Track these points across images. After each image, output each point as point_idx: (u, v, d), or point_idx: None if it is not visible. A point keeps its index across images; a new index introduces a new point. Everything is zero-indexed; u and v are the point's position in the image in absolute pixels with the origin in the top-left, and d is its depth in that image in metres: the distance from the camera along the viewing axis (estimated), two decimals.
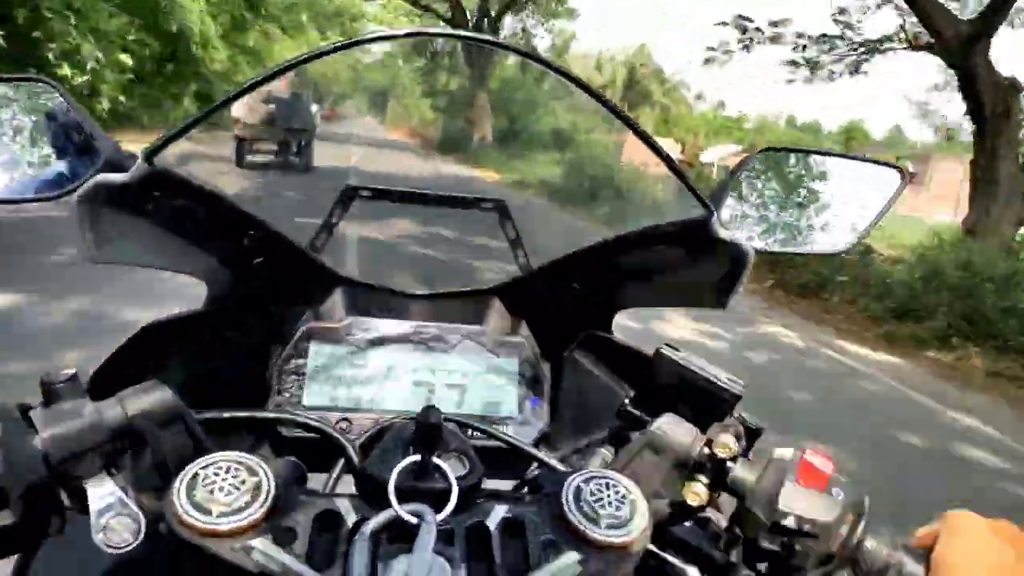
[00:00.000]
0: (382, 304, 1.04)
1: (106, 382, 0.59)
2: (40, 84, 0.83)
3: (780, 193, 0.89)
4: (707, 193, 0.78)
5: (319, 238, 1.12)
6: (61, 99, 0.81)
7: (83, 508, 0.55)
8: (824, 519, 0.60)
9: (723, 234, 0.75)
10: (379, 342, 1.00)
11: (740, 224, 0.81)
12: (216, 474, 0.54)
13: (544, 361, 1.04)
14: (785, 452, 0.64)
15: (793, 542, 0.60)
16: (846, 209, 0.90)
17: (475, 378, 1.01)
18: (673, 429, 0.67)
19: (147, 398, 0.59)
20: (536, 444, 0.83)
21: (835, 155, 0.95)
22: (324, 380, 0.97)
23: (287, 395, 0.96)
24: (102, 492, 0.55)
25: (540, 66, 0.76)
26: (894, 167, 0.89)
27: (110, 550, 0.54)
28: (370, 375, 0.99)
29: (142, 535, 0.55)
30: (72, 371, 0.57)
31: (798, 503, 0.60)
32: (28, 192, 0.79)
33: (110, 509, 0.55)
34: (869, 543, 0.61)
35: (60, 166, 0.80)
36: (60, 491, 0.55)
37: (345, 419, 0.95)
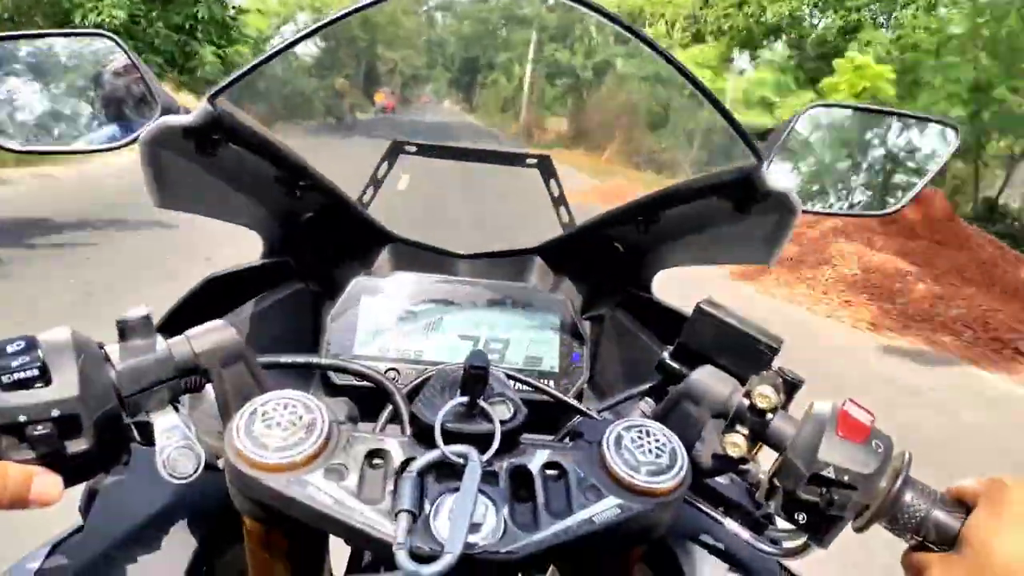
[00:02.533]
0: (429, 261, 1.06)
1: (174, 328, 0.62)
2: (99, 38, 0.85)
3: (829, 151, 0.88)
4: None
5: (366, 192, 1.15)
6: (120, 52, 0.83)
7: (148, 440, 0.59)
8: (863, 471, 0.60)
9: (771, 184, 0.74)
10: (425, 297, 1.02)
11: (787, 180, 0.79)
12: (274, 410, 0.57)
13: (584, 319, 1.06)
14: (825, 404, 0.64)
15: (832, 493, 0.61)
16: (896, 168, 0.88)
17: (517, 333, 1.03)
18: (712, 380, 0.68)
19: (213, 337, 0.62)
20: (576, 398, 0.85)
21: (887, 112, 0.93)
22: (373, 332, 1.00)
23: (338, 345, 0.99)
24: (167, 424, 0.58)
25: (594, 14, 0.75)
26: (948, 123, 0.87)
27: (172, 479, 0.58)
28: (417, 328, 1.01)
29: (201, 467, 0.58)
30: (145, 310, 0.59)
31: (838, 454, 0.60)
32: (91, 143, 0.82)
33: (174, 441, 0.58)
34: (907, 496, 0.61)
35: (120, 118, 0.83)
36: (129, 423, 0.59)
37: (393, 369, 0.98)
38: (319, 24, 0.70)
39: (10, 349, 0.53)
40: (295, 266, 1.02)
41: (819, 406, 0.64)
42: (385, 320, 1.01)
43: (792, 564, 0.73)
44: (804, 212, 0.77)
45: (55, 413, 0.52)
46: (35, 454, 0.53)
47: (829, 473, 0.60)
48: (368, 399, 0.82)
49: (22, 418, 0.51)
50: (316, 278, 1.04)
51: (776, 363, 0.70)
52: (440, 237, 1.11)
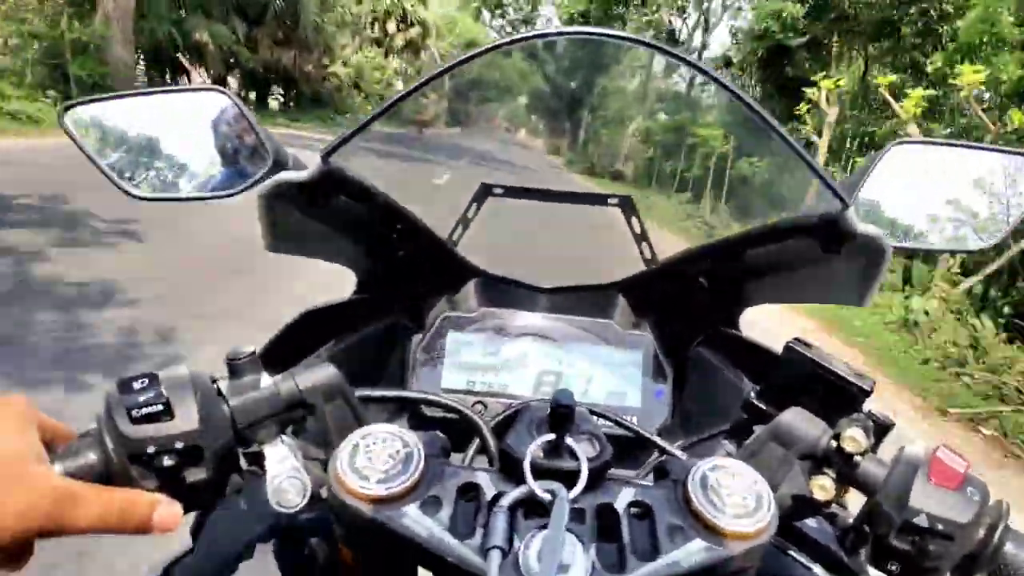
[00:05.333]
0: (512, 297, 1.09)
1: (273, 359, 0.66)
2: (215, 92, 0.93)
3: (916, 187, 0.87)
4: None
5: (455, 232, 1.19)
6: (234, 106, 0.90)
7: (259, 470, 0.63)
8: (959, 519, 0.58)
9: (860, 228, 0.73)
10: (510, 332, 1.05)
11: (874, 219, 0.79)
12: (374, 444, 0.60)
13: (667, 356, 1.06)
14: (916, 449, 0.62)
15: (926, 542, 0.59)
16: (987, 203, 0.87)
17: (600, 369, 1.04)
18: (800, 421, 0.67)
19: (316, 375, 0.66)
20: (658, 436, 0.86)
21: (974, 147, 0.92)
22: (459, 366, 1.04)
23: (425, 378, 1.03)
24: (278, 456, 0.63)
25: (673, 59, 0.77)
26: None
27: (281, 509, 0.62)
28: (501, 363, 1.04)
29: (307, 497, 0.62)
30: (252, 348, 0.64)
31: (931, 501, 0.59)
32: (208, 190, 0.89)
33: (283, 472, 0.62)
34: (1010, 547, 0.59)
35: (234, 167, 0.90)
36: (241, 454, 0.63)
37: (480, 402, 1.01)
38: (422, 81, 0.75)
39: (136, 386, 0.58)
40: (386, 301, 1.07)
41: (910, 450, 0.63)
42: (471, 354, 1.05)
43: None
44: (895, 248, 0.76)
45: (178, 445, 0.57)
46: (159, 482, 0.57)
47: (922, 521, 0.59)
48: (455, 431, 0.85)
49: (150, 449, 0.56)
50: (405, 313, 1.09)
51: (866, 405, 0.70)
52: (523, 273, 1.15)
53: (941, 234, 0.88)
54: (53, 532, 0.52)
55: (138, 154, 0.92)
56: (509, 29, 48.46)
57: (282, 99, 34.32)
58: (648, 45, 0.78)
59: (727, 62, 24.67)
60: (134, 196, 0.89)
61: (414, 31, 43.77)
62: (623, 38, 0.80)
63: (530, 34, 0.78)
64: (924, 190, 0.87)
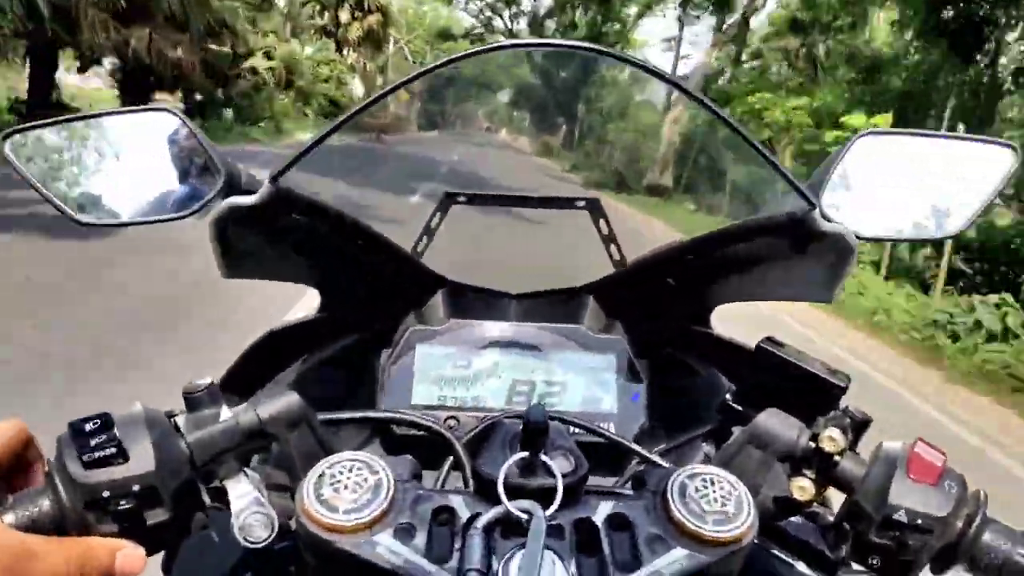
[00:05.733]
0: (481, 305, 1.07)
1: (236, 383, 0.64)
2: (163, 112, 0.90)
3: (883, 178, 0.87)
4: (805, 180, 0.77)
5: (420, 243, 1.17)
6: (182, 126, 0.87)
7: (222, 506, 0.61)
8: (937, 513, 0.59)
9: (826, 227, 0.73)
10: (480, 343, 1.04)
11: (842, 211, 0.78)
12: (340, 473, 0.58)
13: (641, 358, 1.05)
14: (894, 445, 0.63)
15: (906, 537, 0.59)
16: (953, 192, 0.86)
17: (574, 376, 1.03)
18: (777, 423, 0.67)
19: (277, 404, 0.64)
20: (636, 440, 0.85)
21: (940, 136, 0.92)
22: (430, 380, 1.02)
23: (395, 394, 1.01)
24: (240, 491, 0.60)
25: (645, 72, 0.77)
26: (1005, 144, 0.85)
27: (248, 544, 0.59)
28: (473, 375, 1.02)
29: (275, 532, 0.60)
30: (209, 380, 0.62)
31: (909, 497, 0.59)
32: (157, 213, 0.86)
33: (247, 507, 0.60)
34: (988, 537, 0.59)
35: (184, 188, 0.87)
36: (202, 490, 0.61)
37: (453, 417, 0.99)
38: (370, 99, 0.73)
39: (87, 428, 0.55)
40: (351, 318, 1.05)
41: (888, 447, 0.63)
42: (441, 368, 1.02)
43: None
44: (863, 239, 0.76)
45: (135, 487, 0.55)
46: (118, 528, 0.55)
47: (901, 517, 0.59)
48: (428, 449, 0.83)
49: (105, 494, 0.54)
50: (372, 328, 1.06)
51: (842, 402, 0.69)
52: (491, 280, 1.13)
53: (909, 223, 0.87)
54: None
55: (85, 179, 0.88)
56: (488, 13, 45.97)
57: (177, 104, 23.92)
58: (627, 61, 0.77)
59: None
60: (82, 223, 0.86)
61: (373, 19, 38.04)
62: (602, 52, 0.79)
63: (508, 43, 0.77)
64: (891, 180, 0.87)
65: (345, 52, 39.23)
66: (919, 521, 0.59)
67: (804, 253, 0.79)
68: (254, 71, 28.58)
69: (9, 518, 0.53)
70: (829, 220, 0.74)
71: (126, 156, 0.90)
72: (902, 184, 0.87)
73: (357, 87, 40.23)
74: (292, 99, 33.33)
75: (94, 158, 0.89)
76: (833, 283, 0.76)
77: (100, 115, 0.90)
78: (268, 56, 29.69)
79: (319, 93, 36.55)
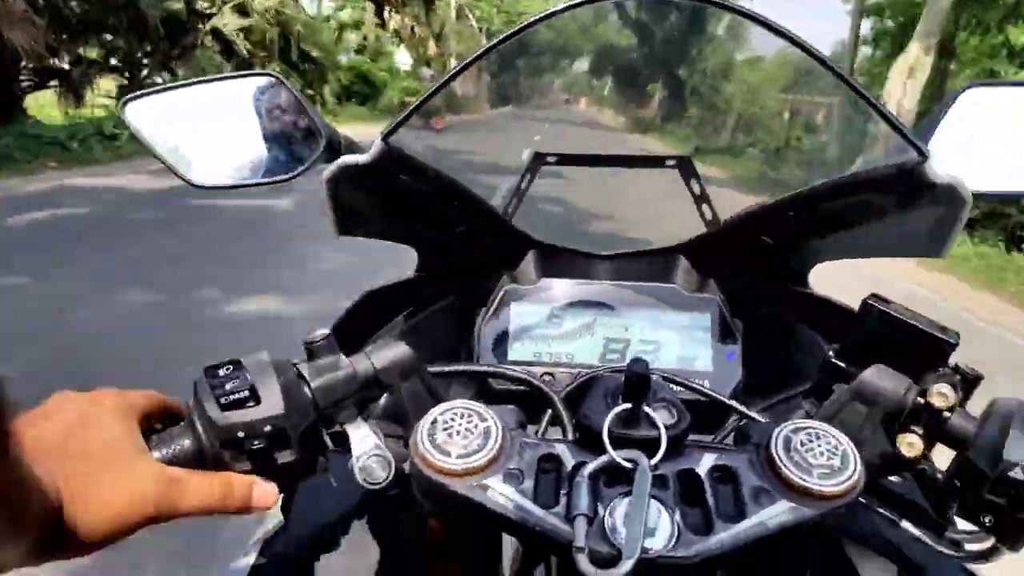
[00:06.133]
0: (572, 266, 1.08)
1: (342, 337, 0.67)
2: (265, 77, 0.93)
3: (991, 132, 0.83)
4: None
5: (511, 203, 1.18)
6: (285, 90, 0.90)
7: (343, 449, 0.64)
8: None
9: (938, 177, 0.71)
10: (573, 302, 1.05)
11: (949, 164, 0.75)
12: (453, 419, 0.61)
13: (735, 317, 1.04)
14: (1009, 400, 0.61)
15: (1022, 494, 0.58)
16: None
17: (667, 334, 1.03)
18: (885, 379, 0.66)
19: (390, 353, 0.67)
20: (732, 398, 0.84)
21: None
22: (525, 338, 1.04)
23: (492, 352, 1.03)
24: (360, 435, 0.64)
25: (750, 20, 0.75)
26: None
27: (367, 485, 0.63)
28: (567, 332, 1.04)
29: (392, 473, 0.63)
30: (327, 331, 0.65)
31: None
32: (264, 175, 0.90)
33: (368, 450, 0.63)
34: None
35: (287, 150, 0.90)
36: (325, 434, 0.64)
37: (548, 373, 1.01)
38: (476, 55, 0.74)
39: (222, 373, 0.59)
40: (447, 278, 1.07)
41: (1003, 402, 0.61)
42: (535, 325, 1.04)
43: (978, 568, 0.70)
44: (974, 194, 0.73)
45: (267, 429, 0.58)
46: (251, 465, 0.59)
47: (1018, 474, 0.57)
48: (526, 404, 0.85)
49: (240, 434, 0.58)
50: (466, 288, 1.08)
51: (952, 358, 0.68)
52: (585, 241, 1.13)
53: (1019, 178, 0.84)
54: (162, 517, 0.54)
55: (195, 143, 0.93)
56: None
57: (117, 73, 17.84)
58: (731, 9, 0.76)
59: None
60: (194, 184, 0.90)
61: None
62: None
63: None
64: (1000, 134, 0.84)
65: (387, 14, 29.85)
66: None
67: (912, 207, 0.76)
68: (217, 35, 19.41)
69: (156, 455, 0.57)
70: (939, 172, 0.72)
71: (232, 120, 0.93)
72: (1011, 138, 0.83)
73: (403, 57, 33.92)
74: (290, 75, 20.72)
75: (204, 123, 0.94)
76: (945, 236, 0.73)
77: (208, 81, 0.94)
78: (243, 12, 19.92)
79: (344, 67, 27.51)
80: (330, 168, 0.74)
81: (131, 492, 0.52)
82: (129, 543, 0.54)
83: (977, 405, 0.65)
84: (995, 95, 0.84)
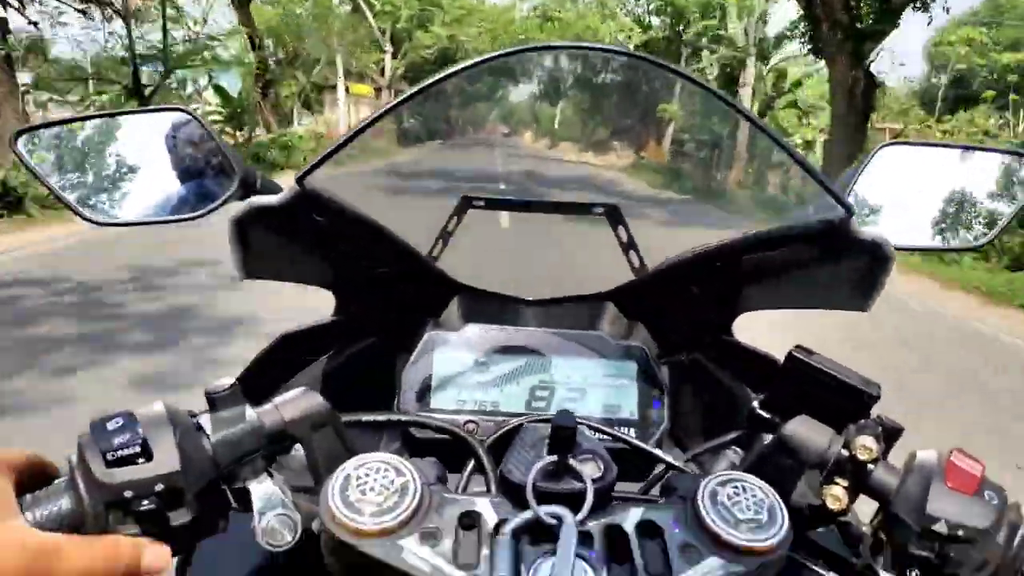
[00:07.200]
0: (499, 311, 1.06)
1: (250, 387, 0.62)
2: (178, 112, 0.89)
3: (906, 189, 0.86)
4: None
5: (436, 246, 1.16)
6: (198, 126, 0.86)
7: (246, 508, 0.59)
8: (979, 524, 0.57)
9: (863, 233, 0.72)
10: (498, 348, 1.02)
11: (870, 220, 0.77)
12: (367, 474, 0.57)
13: (662, 365, 1.04)
14: (929, 453, 0.61)
15: (946, 550, 0.57)
16: (980, 202, 0.86)
17: (594, 382, 1.01)
18: (808, 430, 0.65)
19: (301, 403, 0.62)
20: (659, 446, 0.83)
21: (962, 147, 0.91)
22: (449, 385, 1.00)
23: (414, 399, 0.99)
24: (264, 492, 0.58)
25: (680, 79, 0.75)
26: None
27: (270, 547, 0.57)
28: (492, 380, 1.01)
29: (299, 535, 0.58)
30: (232, 380, 0.60)
31: (949, 507, 0.57)
32: (171, 213, 0.85)
33: (271, 508, 0.58)
34: None
35: (199, 188, 0.86)
36: (227, 492, 0.59)
37: (472, 422, 0.97)
38: (398, 100, 0.72)
39: (111, 427, 0.54)
40: (367, 322, 1.03)
41: (923, 455, 0.61)
42: (459, 372, 1.01)
43: None
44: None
45: (159, 487, 0.53)
46: (141, 528, 0.53)
47: (941, 528, 0.57)
48: (448, 454, 0.81)
49: (128, 493, 0.52)
50: (387, 333, 1.05)
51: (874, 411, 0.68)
52: (510, 287, 1.11)
53: (938, 234, 0.87)
54: None
55: (97, 178, 0.87)
56: None
57: None
58: (647, 61, 0.76)
59: None
60: (93, 222, 0.85)
61: None
62: (618, 52, 0.78)
63: (521, 48, 0.75)
64: (916, 191, 0.87)
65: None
66: (960, 532, 0.57)
67: (838, 261, 0.77)
68: None
69: (29, 517, 0.51)
70: (863, 230, 0.73)
71: (140, 155, 0.89)
72: (927, 195, 0.87)
73: None
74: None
75: (108, 158, 0.89)
76: (870, 291, 0.75)
77: (114, 114, 0.90)
78: None
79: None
80: (239, 207, 0.70)
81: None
82: None
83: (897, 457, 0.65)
84: (910, 153, 0.88)
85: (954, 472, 0.59)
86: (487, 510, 0.58)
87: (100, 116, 0.90)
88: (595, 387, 1.01)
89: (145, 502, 0.52)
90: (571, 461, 0.59)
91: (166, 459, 0.53)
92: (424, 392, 1.00)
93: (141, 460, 0.52)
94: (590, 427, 0.78)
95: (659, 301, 1.06)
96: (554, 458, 0.59)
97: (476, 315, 1.05)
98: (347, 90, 28.89)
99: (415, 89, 0.75)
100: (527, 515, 0.56)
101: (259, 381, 0.75)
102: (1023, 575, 0.57)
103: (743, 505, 0.58)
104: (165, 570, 0.54)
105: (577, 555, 0.54)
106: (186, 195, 0.86)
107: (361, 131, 0.73)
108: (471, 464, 0.77)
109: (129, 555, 0.52)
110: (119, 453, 0.52)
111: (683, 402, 1.05)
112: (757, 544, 0.56)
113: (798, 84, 30.32)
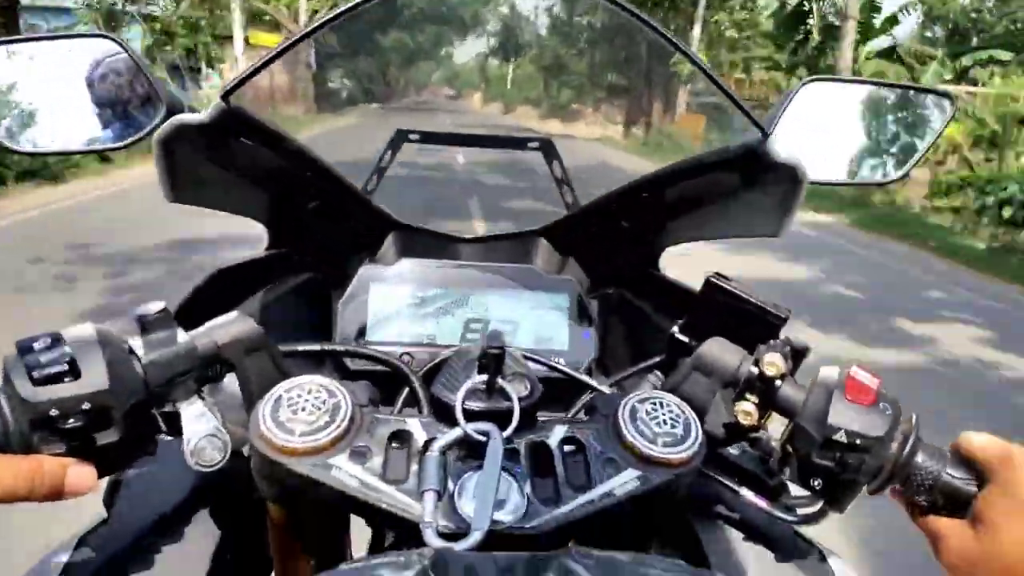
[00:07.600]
0: (434, 247, 1.07)
1: (187, 315, 0.63)
2: (103, 39, 0.86)
3: (827, 124, 0.89)
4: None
5: (371, 181, 1.16)
6: (123, 52, 0.84)
7: (175, 430, 0.60)
8: (874, 433, 0.61)
9: (779, 156, 0.74)
10: (432, 283, 1.04)
11: (790, 153, 0.79)
12: (299, 395, 0.58)
13: (592, 298, 1.07)
14: (831, 370, 0.65)
15: (845, 457, 0.61)
16: (895, 138, 0.89)
17: (526, 314, 1.04)
18: (721, 351, 0.69)
19: (234, 328, 0.63)
20: (587, 375, 0.86)
21: (882, 84, 0.94)
22: (384, 319, 1.02)
23: (350, 332, 1.00)
24: (194, 414, 0.59)
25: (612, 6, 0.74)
26: (943, 94, 0.88)
27: (200, 468, 0.59)
28: (426, 314, 1.03)
29: (228, 454, 0.59)
30: (162, 304, 0.60)
31: (848, 418, 0.61)
32: (96, 142, 0.83)
33: (201, 430, 0.59)
34: (919, 458, 0.62)
35: (124, 117, 0.83)
36: (155, 413, 0.59)
37: (407, 353, 0.99)
38: (322, 21, 0.71)
39: (37, 345, 0.53)
40: (301, 256, 1.03)
41: (825, 372, 0.65)
42: (395, 306, 1.02)
43: (807, 530, 0.74)
44: (810, 183, 0.77)
45: (86, 406, 0.53)
46: (67, 447, 0.53)
47: (841, 437, 0.61)
48: (383, 384, 0.83)
49: (54, 412, 0.52)
50: (323, 267, 1.05)
51: (782, 332, 0.71)
52: (445, 223, 1.12)
53: (853, 168, 0.90)
54: None
55: (18, 106, 0.84)
56: None
57: None
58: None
59: None
60: (14, 151, 0.82)
61: None
62: None
63: None
64: (835, 127, 0.89)
65: None
66: (857, 441, 0.61)
67: (755, 186, 0.80)
68: None
69: None
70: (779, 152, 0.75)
71: (64, 84, 0.85)
72: (846, 130, 0.89)
73: None
74: None
75: (30, 85, 0.85)
76: (783, 216, 0.78)
77: (36, 39, 0.86)
78: None
79: None
80: (163, 127, 0.68)
81: None
82: None
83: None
84: (832, 89, 0.90)
85: (853, 386, 0.62)
86: (417, 429, 0.60)
87: (21, 40, 0.86)
88: (527, 319, 1.04)
89: (71, 420, 0.52)
90: (500, 382, 0.61)
91: (94, 378, 0.53)
92: (360, 326, 1.01)
93: (68, 379, 0.52)
94: (523, 357, 0.81)
95: (589, 236, 1.08)
96: (484, 378, 0.61)
97: (411, 251, 1.06)
98: (247, 40, 23.76)
99: (345, 8, 0.73)
100: (456, 432, 0.58)
101: (196, 312, 0.75)
102: (913, 479, 0.62)
103: (660, 420, 0.62)
104: (90, 490, 0.54)
105: (503, 469, 0.57)
106: (112, 124, 0.84)
107: (285, 50, 0.71)
108: (405, 393, 0.79)
109: (53, 474, 0.52)
110: (46, 371, 0.52)
111: (612, 334, 1.08)
112: (672, 456, 0.60)
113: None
